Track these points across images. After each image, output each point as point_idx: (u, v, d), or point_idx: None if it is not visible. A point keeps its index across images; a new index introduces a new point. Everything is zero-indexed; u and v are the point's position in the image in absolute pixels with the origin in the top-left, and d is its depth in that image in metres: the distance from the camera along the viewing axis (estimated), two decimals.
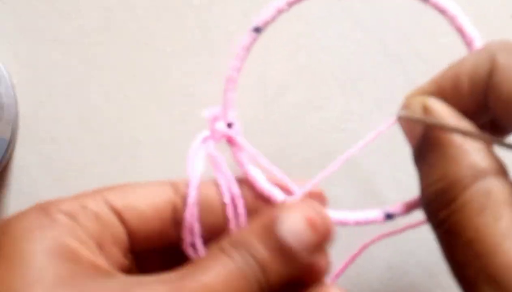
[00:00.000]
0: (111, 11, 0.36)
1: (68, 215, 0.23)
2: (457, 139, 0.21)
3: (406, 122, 0.24)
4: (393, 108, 0.35)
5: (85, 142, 0.36)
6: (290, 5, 0.26)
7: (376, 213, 0.25)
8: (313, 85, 0.35)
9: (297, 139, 0.35)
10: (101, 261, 0.23)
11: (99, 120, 0.36)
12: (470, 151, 0.21)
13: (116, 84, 0.36)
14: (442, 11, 0.25)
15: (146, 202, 0.25)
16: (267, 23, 0.26)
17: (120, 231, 0.24)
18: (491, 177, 0.21)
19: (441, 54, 0.35)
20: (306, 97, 0.35)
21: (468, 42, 0.25)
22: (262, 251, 0.22)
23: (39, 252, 0.21)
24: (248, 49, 0.27)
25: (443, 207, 0.21)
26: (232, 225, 0.26)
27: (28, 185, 0.36)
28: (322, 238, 0.23)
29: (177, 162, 0.33)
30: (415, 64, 0.35)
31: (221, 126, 0.27)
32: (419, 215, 0.25)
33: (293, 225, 0.23)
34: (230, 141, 0.27)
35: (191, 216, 0.25)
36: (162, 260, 0.27)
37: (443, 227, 0.21)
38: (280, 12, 0.26)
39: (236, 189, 0.26)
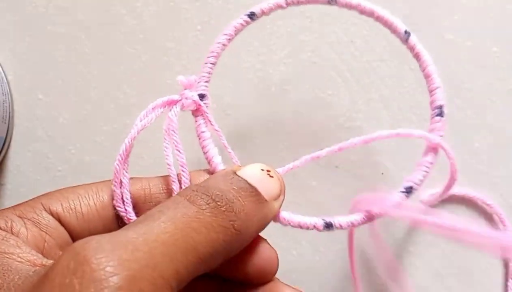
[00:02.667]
0: (110, 5, 0.35)
1: (3, 228, 0.23)
2: None
3: None
4: (400, 106, 0.35)
5: (82, 141, 0.36)
6: (288, 4, 0.28)
7: (317, 221, 0.27)
8: (318, 82, 0.35)
9: (301, 137, 0.35)
10: (39, 259, 0.22)
11: (96, 118, 0.35)
12: None
13: (115, 81, 0.35)
14: (416, 55, 0.28)
15: (85, 202, 0.25)
16: (263, 13, 0.28)
17: (62, 234, 0.25)
18: None
19: (448, 51, 0.35)
20: (311, 94, 0.35)
21: (432, 89, 0.28)
22: (226, 188, 0.23)
23: None
24: (238, 30, 0.28)
25: None
26: (175, 192, 0.26)
27: (24, 184, 0.36)
28: (278, 184, 0.25)
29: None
30: None
31: (193, 94, 0.27)
32: None
33: (252, 171, 0.25)
34: (197, 112, 0.27)
35: (120, 164, 0.26)
36: None
37: None
38: (278, 7, 0.28)
39: (182, 157, 0.26)
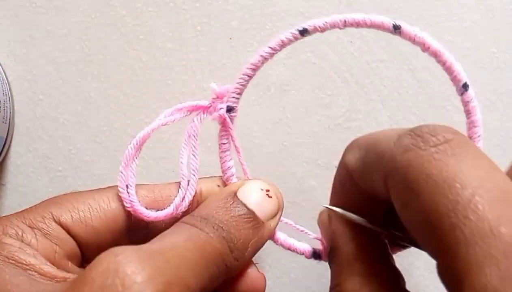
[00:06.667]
0: (110, 6, 0.35)
1: (14, 237, 0.23)
2: (347, 249, 0.23)
3: (322, 229, 0.26)
4: (399, 106, 0.35)
5: (82, 141, 0.36)
6: (345, 26, 0.26)
7: (307, 248, 0.28)
8: (317, 82, 0.35)
9: (300, 137, 0.35)
10: (57, 272, 0.23)
11: (96, 118, 0.36)
12: (357, 261, 0.23)
13: (115, 81, 0.35)
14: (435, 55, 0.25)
15: (95, 215, 0.25)
16: (316, 30, 0.26)
17: (71, 245, 0.25)
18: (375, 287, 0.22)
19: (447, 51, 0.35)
20: (311, 95, 0.35)
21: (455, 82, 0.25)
22: (225, 218, 0.24)
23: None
24: (284, 45, 0.27)
25: None
26: (182, 194, 0.27)
27: (24, 184, 0.36)
28: (276, 204, 0.26)
29: (176, 160, 0.33)
30: (421, 62, 0.35)
31: (222, 107, 0.27)
32: None
33: (251, 193, 0.26)
34: (223, 123, 0.28)
35: (134, 149, 0.27)
36: None
37: None
38: (335, 26, 0.26)
39: (196, 163, 0.27)
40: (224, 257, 0.23)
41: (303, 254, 0.28)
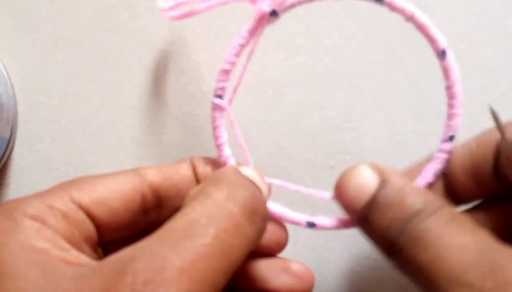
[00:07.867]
0: (111, 10, 0.36)
1: (34, 218, 0.23)
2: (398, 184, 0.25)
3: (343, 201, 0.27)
4: (394, 108, 0.35)
5: (84, 142, 0.36)
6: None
7: (302, 217, 0.28)
8: (314, 84, 0.35)
9: (297, 139, 0.35)
10: (72, 256, 0.22)
11: (98, 120, 0.36)
12: (408, 194, 0.25)
13: (116, 83, 0.36)
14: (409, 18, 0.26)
15: (114, 195, 0.26)
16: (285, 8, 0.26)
17: (89, 227, 0.25)
18: (429, 215, 0.24)
19: None
20: (307, 97, 0.35)
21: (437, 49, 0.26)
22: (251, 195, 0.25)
23: (8, 261, 0.21)
24: (252, 33, 0.27)
25: (393, 250, 0.24)
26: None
27: (27, 184, 0.36)
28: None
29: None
30: (416, 64, 0.35)
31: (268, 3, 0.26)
32: None
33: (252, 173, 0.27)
34: (257, 21, 0.26)
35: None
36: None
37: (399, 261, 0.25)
38: None
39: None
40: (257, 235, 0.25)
41: (298, 223, 0.28)
